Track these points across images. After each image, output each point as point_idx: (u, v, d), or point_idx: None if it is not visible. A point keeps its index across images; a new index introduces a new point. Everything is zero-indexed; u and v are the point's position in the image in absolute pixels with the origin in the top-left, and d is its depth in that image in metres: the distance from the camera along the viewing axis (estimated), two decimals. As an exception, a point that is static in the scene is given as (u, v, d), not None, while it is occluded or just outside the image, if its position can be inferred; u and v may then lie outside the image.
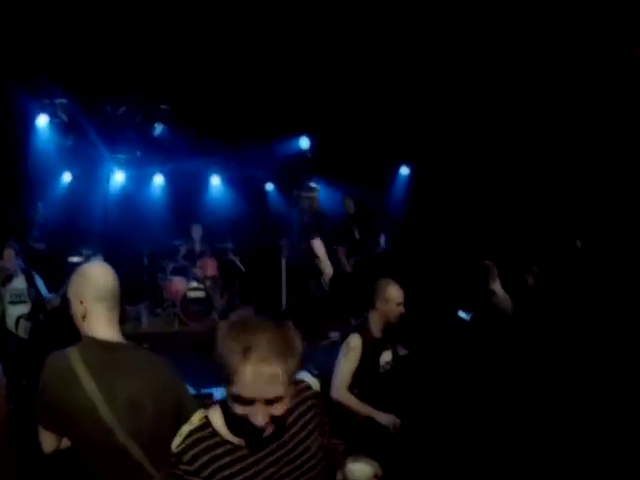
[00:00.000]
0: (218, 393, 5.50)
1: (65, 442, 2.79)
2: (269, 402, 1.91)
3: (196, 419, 2.13)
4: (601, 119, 8.77)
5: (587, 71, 8.33)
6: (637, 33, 7.48)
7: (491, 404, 5.11)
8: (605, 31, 7.55)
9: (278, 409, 1.94)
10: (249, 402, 1.89)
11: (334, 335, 8.37)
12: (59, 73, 9.09)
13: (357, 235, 10.02)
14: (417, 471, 4.55)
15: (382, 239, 10.17)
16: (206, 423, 2.10)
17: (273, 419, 1.95)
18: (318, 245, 8.89)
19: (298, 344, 1.99)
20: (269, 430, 2.02)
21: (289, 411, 2.11)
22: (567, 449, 4.58)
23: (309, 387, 2.39)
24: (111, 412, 2.54)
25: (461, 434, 4.95)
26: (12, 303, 7.38)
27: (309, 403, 2.31)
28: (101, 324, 2.73)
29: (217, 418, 2.11)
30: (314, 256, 8.99)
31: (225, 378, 1.92)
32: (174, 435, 2.23)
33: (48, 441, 2.76)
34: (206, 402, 5.32)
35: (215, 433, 2.07)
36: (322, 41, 8.56)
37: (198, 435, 2.07)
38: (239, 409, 1.92)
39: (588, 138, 8.99)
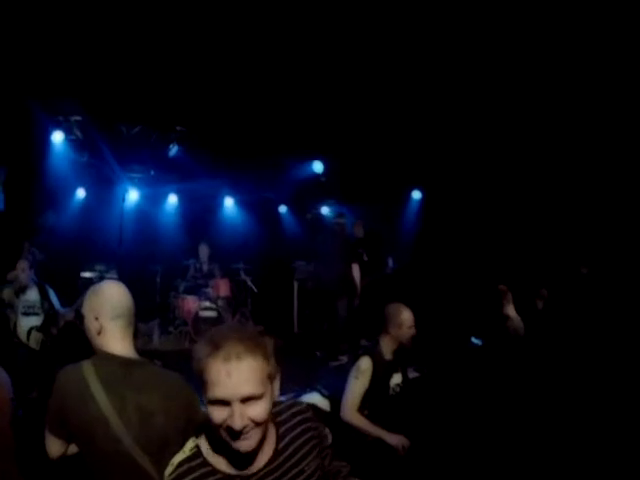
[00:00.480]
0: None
1: (72, 448, 2.86)
2: (245, 401, 1.92)
3: (188, 447, 2.15)
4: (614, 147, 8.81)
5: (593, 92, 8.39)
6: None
7: (501, 428, 5.13)
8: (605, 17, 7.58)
9: (256, 410, 1.94)
10: (225, 403, 1.90)
11: (342, 357, 8.45)
12: (75, 91, 9.19)
13: (365, 257, 10.09)
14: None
15: (390, 261, 10.27)
16: (197, 452, 2.12)
17: (253, 423, 1.94)
18: (356, 270, 9.37)
19: (269, 345, 2.05)
20: (261, 460, 2.08)
21: (281, 435, 2.22)
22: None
23: (306, 409, 2.40)
24: (121, 422, 2.62)
25: (470, 457, 4.97)
26: (25, 314, 7.44)
27: (304, 426, 2.31)
28: (116, 340, 2.82)
29: (206, 446, 2.12)
30: (350, 279, 9.22)
31: (201, 387, 1.97)
32: (180, 445, 2.31)
33: (55, 447, 2.84)
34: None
35: (206, 463, 2.08)
36: (336, 67, 8.62)
37: (189, 465, 2.08)
38: (217, 415, 1.92)
39: (596, 161, 9.04)
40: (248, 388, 1.92)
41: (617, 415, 5.01)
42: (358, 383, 4.73)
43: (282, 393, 6.12)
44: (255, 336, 2.03)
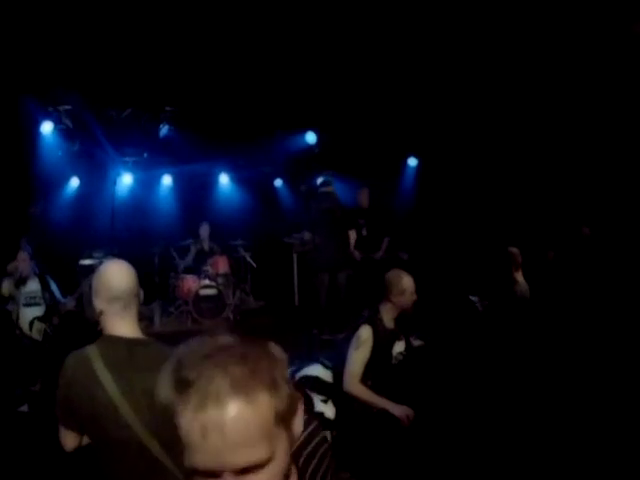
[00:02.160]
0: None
1: (86, 439, 2.80)
2: (243, 472, 1.15)
3: None
4: (606, 103, 8.73)
5: (589, 57, 8.30)
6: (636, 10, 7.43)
7: (505, 395, 5.10)
8: (605, 8, 7.50)
9: None
10: (210, 475, 1.16)
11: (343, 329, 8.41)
12: (62, 80, 9.11)
13: (364, 232, 9.96)
14: (431, 462, 4.54)
15: (385, 244, 10.09)
16: None
17: None
18: (353, 236, 9.35)
19: (277, 363, 1.23)
20: None
21: (301, 468, 1.52)
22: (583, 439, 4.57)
23: (319, 427, 1.71)
24: (129, 407, 2.55)
25: (475, 425, 4.94)
26: (26, 305, 7.42)
27: (321, 449, 1.65)
28: (117, 322, 2.76)
29: None
30: (348, 247, 9.16)
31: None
32: None
33: (69, 439, 2.78)
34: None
35: None
36: (325, 35, 8.52)
37: None
38: None
39: (593, 125, 8.96)
40: (243, 454, 1.14)
41: (618, 382, 4.99)
42: (359, 353, 4.67)
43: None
44: (252, 353, 1.20)
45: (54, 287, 7.63)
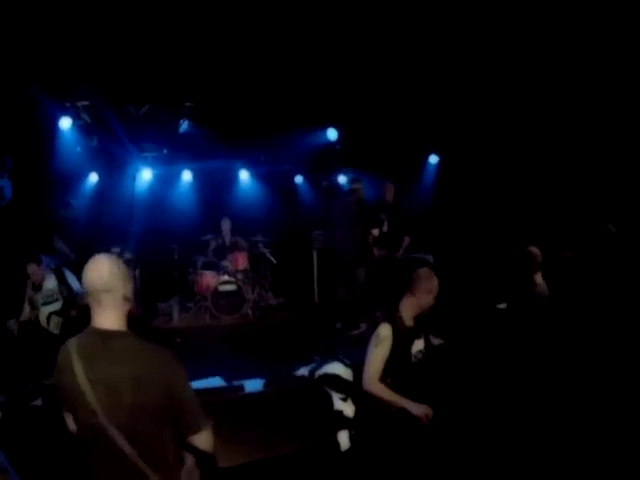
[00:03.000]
0: (249, 385, 5.51)
1: None
2: None
3: None
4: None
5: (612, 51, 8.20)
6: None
7: (525, 395, 5.03)
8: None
9: None
10: None
11: (363, 326, 8.34)
12: (80, 75, 9.10)
13: (385, 228, 9.88)
14: (450, 462, 4.47)
15: (405, 242, 9.98)
16: None
17: None
18: (374, 233, 9.33)
19: None
20: None
21: None
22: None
23: None
24: (94, 395, 2.69)
25: (495, 425, 4.87)
26: (45, 304, 7.49)
27: None
28: (96, 314, 2.88)
29: None
30: (368, 246, 9.11)
31: None
32: (163, 430, 2.58)
33: (69, 423, 2.99)
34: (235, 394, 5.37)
35: None
36: (348, 31, 8.48)
37: None
38: None
39: (618, 120, 8.84)
40: None
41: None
42: (378, 351, 4.63)
43: (304, 363, 6.07)
44: None
45: (72, 279, 7.67)
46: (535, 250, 6.19)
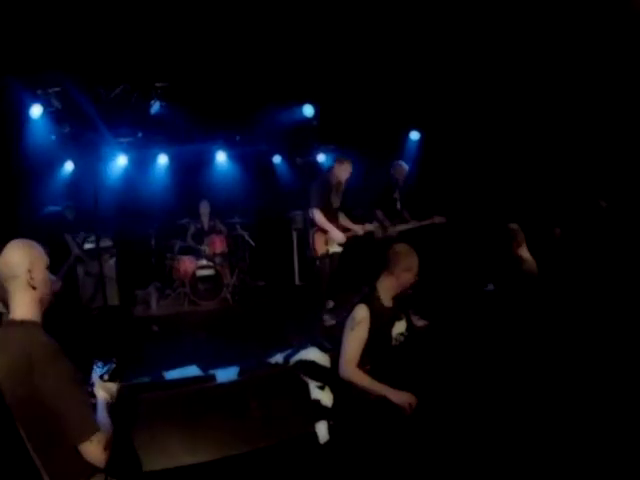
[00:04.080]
0: (222, 374, 5.28)
1: None
2: None
3: None
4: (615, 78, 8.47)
5: (589, 31, 8.04)
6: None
7: (511, 380, 4.82)
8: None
9: None
10: None
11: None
12: (48, 60, 8.81)
13: (398, 206, 9.60)
14: (434, 453, 4.23)
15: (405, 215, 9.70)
16: None
17: None
18: (380, 214, 9.24)
19: None
20: None
21: None
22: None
23: None
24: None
25: (481, 413, 4.63)
26: None
27: None
28: (9, 302, 2.91)
29: None
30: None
31: None
32: (41, 422, 2.60)
33: None
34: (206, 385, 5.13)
35: None
36: (321, 4, 8.22)
37: None
38: None
39: (605, 95, 8.68)
40: None
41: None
42: (355, 334, 4.37)
43: (281, 349, 5.81)
44: None
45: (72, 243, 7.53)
46: (514, 226, 5.99)
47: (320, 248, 8.11)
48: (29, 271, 2.81)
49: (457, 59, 9.46)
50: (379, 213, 9.22)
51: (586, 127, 8.97)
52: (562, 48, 8.54)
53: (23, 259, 2.82)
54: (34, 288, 2.84)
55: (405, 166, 9.79)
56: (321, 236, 8.12)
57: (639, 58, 7.99)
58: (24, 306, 2.82)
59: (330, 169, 8.59)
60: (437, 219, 9.31)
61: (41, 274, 2.89)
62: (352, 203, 9.41)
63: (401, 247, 4.68)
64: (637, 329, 5.22)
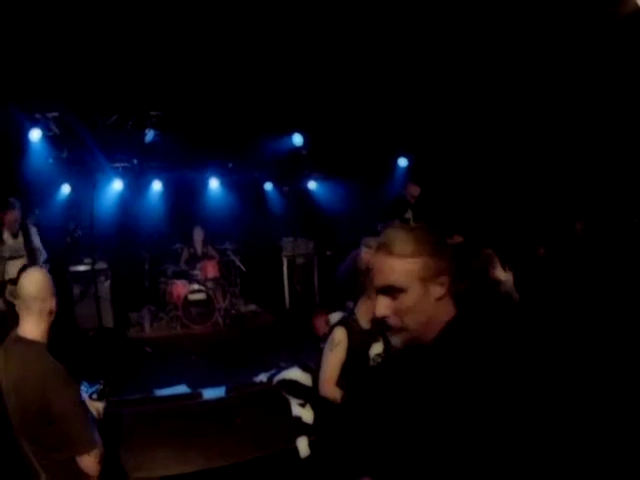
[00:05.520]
0: (210, 392, 5.49)
1: None
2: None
3: None
4: (599, 98, 8.66)
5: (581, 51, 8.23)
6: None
7: (491, 399, 4.97)
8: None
9: None
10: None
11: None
12: (47, 86, 9.03)
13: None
14: (414, 468, 4.40)
15: None
16: None
17: None
18: None
19: None
20: None
21: None
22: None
23: None
24: (2, 390, 3.05)
25: (458, 432, 4.80)
26: (12, 258, 7.45)
27: None
28: (23, 319, 3.19)
29: None
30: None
31: None
32: (52, 436, 2.78)
33: None
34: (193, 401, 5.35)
35: None
36: (308, 34, 8.44)
37: None
38: None
39: (587, 117, 8.88)
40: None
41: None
42: (333, 355, 4.59)
43: (267, 369, 5.99)
44: None
45: (34, 235, 7.70)
46: (488, 251, 6.16)
47: None
48: (50, 300, 3.15)
49: (445, 86, 9.66)
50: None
51: (567, 153, 9.16)
52: (544, 81, 8.76)
53: (48, 287, 3.16)
54: (50, 315, 3.17)
55: (415, 185, 9.85)
56: None
57: (626, 76, 8.18)
58: (37, 328, 3.12)
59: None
60: (457, 239, 9.22)
61: (55, 304, 3.20)
62: (343, 229, 9.60)
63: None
64: (621, 344, 5.37)
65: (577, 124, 9.03)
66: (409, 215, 9.70)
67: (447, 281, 2.10)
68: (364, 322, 4.80)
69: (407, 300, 2.06)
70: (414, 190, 9.83)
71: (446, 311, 2.18)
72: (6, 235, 7.59)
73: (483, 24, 8.12)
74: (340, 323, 4.74)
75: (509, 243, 6.42)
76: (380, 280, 2.13)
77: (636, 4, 6.77)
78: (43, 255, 7.87)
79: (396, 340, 2.17)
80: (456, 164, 10.65)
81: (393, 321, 2.09)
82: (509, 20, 7.92)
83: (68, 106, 9.73)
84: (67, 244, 10.59)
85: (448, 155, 10.72)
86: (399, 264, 2.06)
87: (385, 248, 2.11)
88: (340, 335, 4.64)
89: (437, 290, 2.08)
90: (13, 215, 7.54)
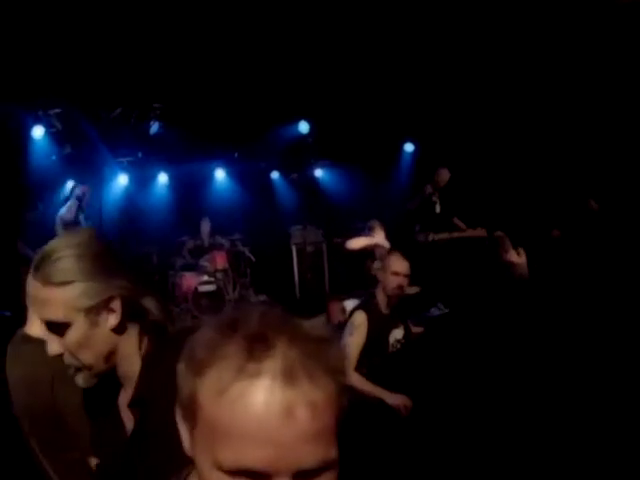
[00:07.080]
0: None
1: None
2: (305, 476, 0.90)
3: None
4: (609, 79, 8.61)
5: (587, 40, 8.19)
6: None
7: (506, 387, 4.94)
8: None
9: None
10: (257, 477, 0.88)
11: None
12: (49, 82, 8.99)
13: (438, 209, 9.46)
14: (430, 456, 4.36)
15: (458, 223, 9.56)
16: None
17: None
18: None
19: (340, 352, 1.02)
20: None
21: None
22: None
23: None
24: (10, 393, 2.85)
25: (476, 416, 4.77)
26: None
27: None
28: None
29: None
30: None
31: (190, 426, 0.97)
32: (56, 433, 2.63)
33: None
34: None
35: None
36: (313, 21, 8.40)
37: None
38: None
39: (598, 97, 8.82)
40: (315, 451, 0.91)
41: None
42: (353, 340, 4.53)
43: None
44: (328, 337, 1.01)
45: None
46: (499, 233, 6.09)
47: None
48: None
49: (449, 71, 9.59)
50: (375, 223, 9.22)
51: (578, 133, 9.10)
52: (551, 62, 8.70)
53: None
54: None
55: (445, 170, 9.57)
56: None
57: (625, 66, 8.14)
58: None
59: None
60: (480, 231, 9.07)
61: None
62: (350, 216, 9.55)
63: (394, 252, 4.87)
64: (636, 331, 5.31)
65: (588, 106, 8.97)
66: (436, 199, 9.47)
67: (120, 306, 1.69)
68: (384, 306, 4.75)
69: (73, 335, 1.66)
70: (445, 175, 9.54)
71: (134, 341, 1.79)
72: None
73: (489, 10, 8.10)
74: (361, 307, 4.69)
75: (523, 226, 6.35)
76: (39, 314, 1.72)
77: None
78: None
79: (79, 381, 1.79)
80: (465, 149, 10.56)
81: (68, 360, 1.69)
82: (516, 5, 7.91)
83: (70, 101, 9.68)
84: None
85: (458, 140, 10.62)
86: (53, 294, 1.63)
87: (37, 275, 1.65)
88: (360, 319, 4.58)
89: (109, 318, 1.69)
90: None
